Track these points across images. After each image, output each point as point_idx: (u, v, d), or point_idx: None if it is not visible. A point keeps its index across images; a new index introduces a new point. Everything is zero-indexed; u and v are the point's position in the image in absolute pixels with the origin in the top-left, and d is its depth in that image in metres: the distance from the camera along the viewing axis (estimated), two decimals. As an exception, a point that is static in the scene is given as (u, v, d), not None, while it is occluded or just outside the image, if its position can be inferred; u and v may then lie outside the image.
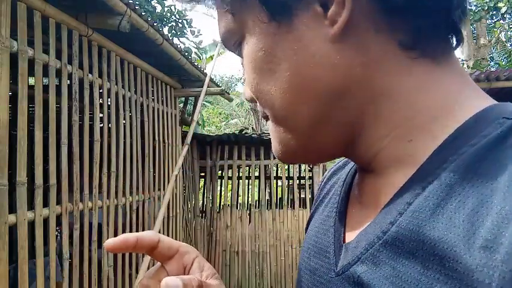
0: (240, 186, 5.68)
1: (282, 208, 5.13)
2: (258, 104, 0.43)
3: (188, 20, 8.16)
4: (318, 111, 0.37)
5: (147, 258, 3.16)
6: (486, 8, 8.02)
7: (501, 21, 9.84)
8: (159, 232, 3.45)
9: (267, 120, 0.44)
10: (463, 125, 0.34)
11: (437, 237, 0.29)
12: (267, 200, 5.36)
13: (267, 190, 5.69)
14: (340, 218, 0.44)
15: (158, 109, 3.86)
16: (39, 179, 2.13)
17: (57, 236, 2.41)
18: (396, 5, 0.34)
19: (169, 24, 7.89)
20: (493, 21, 9.62)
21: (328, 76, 0.36)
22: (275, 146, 0.43)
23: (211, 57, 9.58)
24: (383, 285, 0.32)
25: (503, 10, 7.97)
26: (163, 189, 3.84)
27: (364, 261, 0.35)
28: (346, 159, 0.55)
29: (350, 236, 0.41)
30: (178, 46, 3.59)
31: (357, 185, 0.45)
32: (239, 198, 5.64)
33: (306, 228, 0.56)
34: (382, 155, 0.38)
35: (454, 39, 0.38)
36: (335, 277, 0.40)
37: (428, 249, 0.30)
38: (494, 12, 8.41)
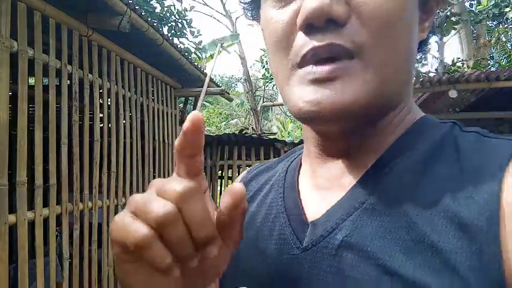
0: (240, 186, 5.67)
1: (282, 208, 5.13)
2: (345, 31, 0.38)
3: (188, 20, 8.17)
4: (408, 72, 0.44)
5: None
6: (491, 15, 7.99)
7: (504, 25, 9.83)
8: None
9: (327, 61, 0.39)
10: (413, 125, 0.46)
11: (425, 195, 0.38)
12: (267, 200, 5.35)
13: (267, 190, 5.68)
14: (294, 204, 0.49)
15: (158, 109, 3.86)
16: (39, 179, 2.13)
17: (57, 236, 2.41)
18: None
19: (169, 24, 7.89)
20: (495, 23, 9.62)
21: (415, 44, 0.44)
22: (345, 91, 0.38)
23: (211, 56, 9.58)
24: (371, 240, 0.39)
25: (510, 15, 7.95)
26: (163, 189, 3.83)
27: (343, 228, 0.41)
28: (266, 164, 0.63)
29: (314, 215, 0.45)
30: (178, 46, 3.59)
31: (311, 175, 0.50)
32: (239, 198, 5.63)
33: None
34: (380, 137, 0.45)
35: None
36: (301, 253, 0.44)
37: (416, 205, 0.38)
38: (498, 16, 8.38)
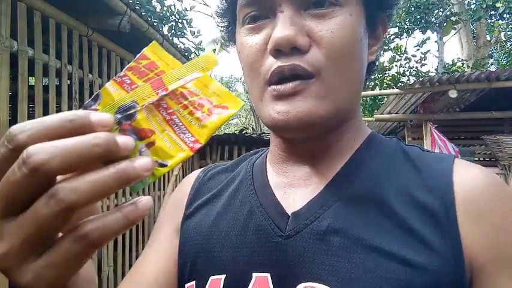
0: (240, 186, 5.66)
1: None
2: (303, 57, 0.47)
3: (188, 20, 8.16)
4: (360, 86, 0.54)
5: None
6: (485, 6, 8.01)
7: (500, 21, 9.83)
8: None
9: (291, 79, 0.47)
10: (369, 136, 0.57)
11: (395, 189, 0.48)
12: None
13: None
14: (270, 200, 0.54)
15: (158, 109, 3.85)
16: (39, 179, 2.13)
17: (57, 236, 2.40)
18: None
19: (169, 24, 7.88)
20: (492, 21, 9.62)
21: (364, 65, 0.54)
22: (302, 106, 0.47)
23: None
24: (355, 225, 0.46)
25: (501, 10, 7.97)
26: (163, 189, 3.84)
27: (326, 216, 0.48)
28: (222, 166, 0.67)
29: (292, 208, 0.51)
30: (178, 46, 3.59)
31: (281, 175, 0.56)
32: (239, 198, 5.63)
33: (186, 220, 0.60)
34: (341, 144, 0.54)
35: None
36: (284, 240, 0.49)
37: (390, 196, 0.48)
38: (493, 12, 8.40)
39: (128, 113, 0.32)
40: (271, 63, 0.48)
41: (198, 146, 0.33)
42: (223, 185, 0.62)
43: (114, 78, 0.33)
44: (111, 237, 0.27)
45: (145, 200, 0.29)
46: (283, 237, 0.49)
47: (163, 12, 7.69)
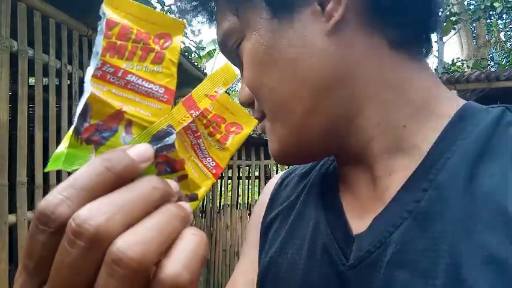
0: (240, 186, 5.67)
1: (282, 208, 5.12)
2: (255, 103, 0.46)
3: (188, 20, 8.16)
4: (311, 102, 0.40)
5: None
6: (483, 7, 8.03)
7: (498, 21, 9.84)
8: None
9: (261, 121, 0.46)
10: (457, 114, 0.40)
11: (478, 198, 0.33)
12: (267, 200, 5.34)
13: (267, 190, 5.66)
14: (336, 214, 0.44)
15: (158, 109, 3.85)
16: (39, 179, 2.13)
17: (57, 236, 2.40)
18: (384, 6, 0.39)
19: (169, 24, 7.88)
20: (492, 21, 9.63)
21: (323, 66, 0.40)
22: (271, 145, 0.45)
23: (209, 54, 9.56)
24: (426, 255, 0.34)
25: (498, 10, 7.99)
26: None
27: (391, 242, 0.36)
28: (301, 169, 0.58)
29: (358, 228, 0.41)
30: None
31: (347, 181, 0.46)
32: (239, 198, 5.63)
33: (265, 231, 0.54)
34: (376, 143, 0.41)
35: (424, 49, 0.44)
36: (348, 270, 0.39)
37: (471, 210, 0.33)
38: (492, 12, 8.42)
39: (165, 142, 0.27)
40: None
41: (219, 171, 0.31)
42: (297, 195, 0.53)
43: (93, 73, 0.27)
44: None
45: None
46: (347, 266, 0.39)
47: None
